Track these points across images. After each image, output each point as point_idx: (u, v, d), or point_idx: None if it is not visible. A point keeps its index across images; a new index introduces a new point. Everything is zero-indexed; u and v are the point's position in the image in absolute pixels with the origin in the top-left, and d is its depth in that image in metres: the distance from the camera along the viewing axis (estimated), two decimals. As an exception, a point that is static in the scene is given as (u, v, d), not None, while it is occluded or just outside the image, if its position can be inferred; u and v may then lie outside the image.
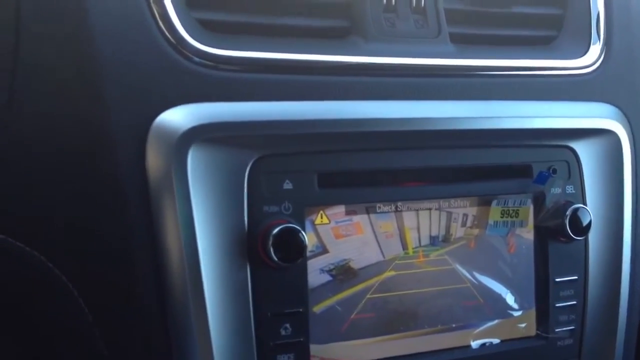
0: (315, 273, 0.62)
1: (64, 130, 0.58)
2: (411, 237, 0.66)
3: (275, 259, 0.58)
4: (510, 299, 0.71)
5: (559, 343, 0.73)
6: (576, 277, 0.73)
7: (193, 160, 0.57)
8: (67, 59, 0.58)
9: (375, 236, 0.65)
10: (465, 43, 0.72)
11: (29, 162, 0.58)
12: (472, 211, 0.69)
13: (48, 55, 0.59)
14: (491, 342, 0.70)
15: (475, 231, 0.69)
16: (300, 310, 0.61)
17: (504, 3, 0.76)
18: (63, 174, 0.58)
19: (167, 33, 0.59)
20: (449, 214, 0.68)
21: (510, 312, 0.71)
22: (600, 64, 0.76)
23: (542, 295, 0.72)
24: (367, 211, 0.64)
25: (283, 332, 0.60)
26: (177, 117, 0.58)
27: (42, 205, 0.58)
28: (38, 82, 0.58)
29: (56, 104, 0.58)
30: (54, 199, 0.59)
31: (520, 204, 0.71)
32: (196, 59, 0.60)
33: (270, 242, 0.58)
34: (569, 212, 0.70)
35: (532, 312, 0.72)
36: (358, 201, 0.64)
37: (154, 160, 0.57)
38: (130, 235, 0.57)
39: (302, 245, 0.59)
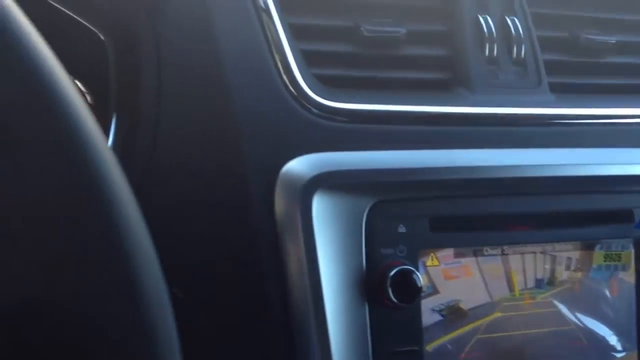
0: (428, 313, 0.65)
1: (200, 180, 0.64)
2: (517, 280, 0.69)
3: (394, 299, 0.62)
4: (613, 341, 0.72)
5: (661, 385, 0.74)
6: (678, 320, 0.74)
7: (317, 205, 0.62)
8: (205, 117, 0.64)
9: (483, 278, 0.68)
10: (564, 92, 0.75)
11: (167, 207, 0.64)
12: (575, 255, 0.71)
13: (187, 112, 0.65)
14: (596, 384, 0.71)
15: (579, 274, 0.71)
16: (416, 348, 0.64)
17: (601, 53, 0.79)
18: (198, 219, 0.64)
19: (291, 88, 0.65)
20: (554, 257, 0.70)
21: (613, 353, 0.72)
22: (700, 111, 0.78)
23: (645, 338, 0.73)
24: (475, 254, 0.68)
25: (400, 370, 0.63)
26: (302, 166, 0.63)
27: (178, 246, 0.64)
28: (178, 138, 0.64)
29: (194, 157, 0.64)
30: (189, 241, 0.64)
31: (622, 248, 0.73)
32: (316, 111, 0.66)
33: (388, 283, 0.62)
34: (670, 257, 0.71)
35: (634, 354, 0.73)
36: (466, 244, 0.67)
37: (282, 206, 0.62)
38: (261, 277, 0.62)
39: (418, 286, 0.62)
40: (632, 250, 0.73)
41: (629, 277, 0.73)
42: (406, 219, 0.65)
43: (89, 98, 0.71)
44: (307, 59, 0.67)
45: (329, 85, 0.68)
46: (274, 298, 0.62)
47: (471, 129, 0.71)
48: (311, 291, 0.61)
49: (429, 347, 0.65)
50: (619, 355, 0.73)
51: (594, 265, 0.71)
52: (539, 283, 0.70)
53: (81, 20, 0.69)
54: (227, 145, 0.63)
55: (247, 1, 0.66)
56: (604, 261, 0.72)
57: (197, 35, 0.65)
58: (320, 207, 0.62)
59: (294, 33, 0.67)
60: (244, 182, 0.62)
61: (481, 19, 0.73)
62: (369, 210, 0.64)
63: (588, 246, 0.71)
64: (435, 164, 0.67)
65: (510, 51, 0.74)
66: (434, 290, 0.66)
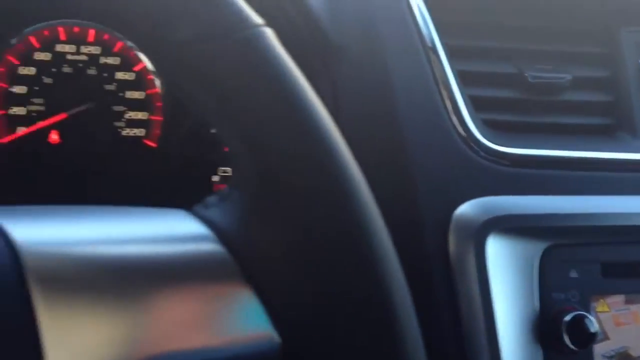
0: (598, 358, 0.65)
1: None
2: (688, 328, 0.68)
3: (570, 344, 0.62)
4: None
5: None
6: None
7: (490, 248, 0.63)
8: (380, 160, 0.67)
9: (653, 325, 0.67)
10: None
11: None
12: None
13: (363, 153, 0.67)
14: None
15: None
16: (589, 393, 0.64)
17: None
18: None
19: (462, 131, 0.67)
20: None
21: None
22: None
23: None
24: (645, 301, 0.67)
25: (576, 415, 0.63)
26: (474, 210, 0.64)
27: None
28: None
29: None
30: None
31: None
32: (484, 155, 0.67)
33: (564, 329, 0.62)
34: None
35: None
36: (637, 291, 0.67)
37: (456, 248, 0.64)
38: (434, 318, 0.64)
39: (593, 332, 0.62)
40: None
41: None
42: (578, 264, 0.65)
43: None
44: (474, 104, 0.69)
45: (495, 129, 0.70)
46: (449, 341, 0.63)
47: (635, 175, 0.71)
48: (486, 333, 0.62)
49: (601, 393, 0.65)
50: None
51: None
52: None
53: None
54: (402, 186, 0.66)
55: (420, 52, 0.69)
56: None
57: (371, 76, 0.69)
58: (493, 249, 0.63)
59: (462, 79, 0.69)
60: (418, 224, 0.65)
61: (644, 64, 0.74)
62: (542, 255, 0.65)
63: None
64: (605, 209, 0.67)
65: (673, 97, 0.74)
66: (605, 337, 0.66)
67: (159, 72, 0.80)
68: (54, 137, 0.79)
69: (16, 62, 0.78)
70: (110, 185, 0.79)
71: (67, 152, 0.79)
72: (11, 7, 0.75)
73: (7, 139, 0.77)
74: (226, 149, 0.70)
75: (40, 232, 0.35)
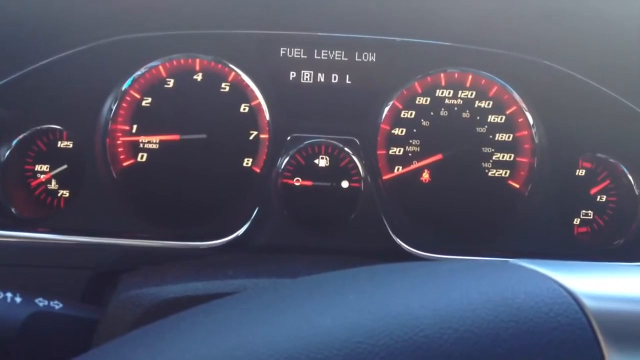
0: None
1: None
2: None
3: None
4: None
5: None
6: None
7: None
8: None
9: None
10: None
11: None
12: None
13: None
14: None
15: None
16: None
17: None
18: None
19: None
20: None
21: None
22: None
23: None
24: None
25: None
26: None
27: None
28: None
29: None
30: None
31: None
32: None
33: None
34: None
35: None
36: None
37: None
38: None
39: None
40: None
41: None
42: None
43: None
44: None
45: None
46: None
47: None
48: None
49: None
50: None
51: None
52: None
53: None
54: None
55: None
56: None
57: None
58: None
59: None
60: None
61: None
62: None
63: None
64: None
65: None
66: None
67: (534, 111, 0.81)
68: (425, 176, 0.83)
69: (400, 106, 0.82)
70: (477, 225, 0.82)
71: (435, 191, 0.83)
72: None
73: (387, 176, 0.82)
74: None
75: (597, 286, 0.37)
